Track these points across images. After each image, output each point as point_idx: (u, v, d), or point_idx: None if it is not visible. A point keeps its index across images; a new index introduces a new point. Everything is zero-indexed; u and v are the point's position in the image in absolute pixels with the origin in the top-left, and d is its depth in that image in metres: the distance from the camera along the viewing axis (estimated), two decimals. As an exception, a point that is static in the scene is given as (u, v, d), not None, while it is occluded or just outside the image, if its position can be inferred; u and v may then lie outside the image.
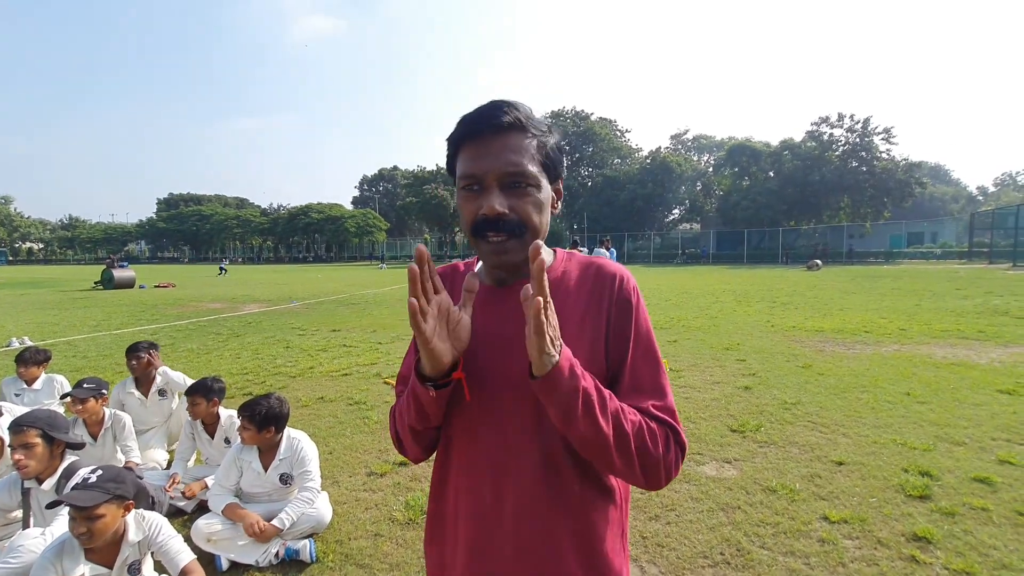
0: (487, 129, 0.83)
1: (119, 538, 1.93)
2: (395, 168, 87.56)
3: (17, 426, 2.37)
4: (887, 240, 42.84)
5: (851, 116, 43.20)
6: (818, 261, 30.01)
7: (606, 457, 0.79)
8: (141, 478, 2.81)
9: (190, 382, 3.79)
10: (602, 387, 0.79)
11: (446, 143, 0.89)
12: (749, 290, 16.69)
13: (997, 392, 4.96)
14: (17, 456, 2.31)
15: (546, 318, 0.70)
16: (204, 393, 3.18)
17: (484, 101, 0.86)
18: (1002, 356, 6.46)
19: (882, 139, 42.42)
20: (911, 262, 35.60)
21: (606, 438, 0.77)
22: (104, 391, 3.35)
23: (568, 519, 0.86)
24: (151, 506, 2.67)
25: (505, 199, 0.82)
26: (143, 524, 2.00)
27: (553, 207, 0.92)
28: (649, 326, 0.91)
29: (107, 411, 3.32)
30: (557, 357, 0.73)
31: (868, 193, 42.65)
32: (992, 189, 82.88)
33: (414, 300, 0.72)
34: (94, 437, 3.28)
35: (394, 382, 1.22)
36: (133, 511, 1.97)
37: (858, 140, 42.93)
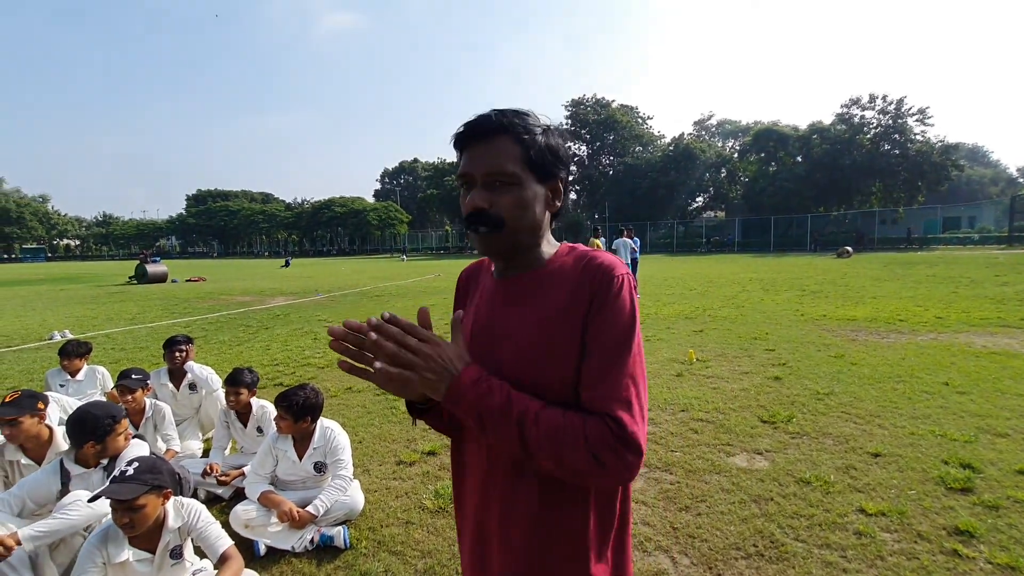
0: (475, 135, 0.92)
1: (160, 525, 1.99)
2: (415, 161, 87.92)
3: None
4: (921, 225, 41.32)
5: (883, 97, 41.72)
6: (848, 248, 29.16)
7: (527, 459, 0.85)
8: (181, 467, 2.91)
9: (217, 381, 3.89)
10: (509, 394, 0.84)
11: (453, 146, 0.99)
12: (777, 278, 16.33)
13: (1043, 382, 4.76)
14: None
15: (411, 351, 0.80)
16: (247, 384, 3.28)
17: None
18: (1047, 345, 6.19)
19: (916, 120, 40.86)
20: (947, 248, 34.32)
21: (514, 443, 0.83)
22: (149, 382, 3.48)
23: (544, 515, 0.92)
24: (182, 490, 2.75)
25: (487, 196, 0.91)
26: (182, 511, 2.07)
27: (551, 204, 0.98)
28: (623, 321, 0.87)
29: (148, 401, 3.44)
30: (443, 385, 0.82)
31: (902, 177, 41.21)
32: (1035, 170, 79.11)
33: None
34: (136, 427, 3.41)
35: None
36: (172, 499, 2.03)
37: (891, 122, 41.40)
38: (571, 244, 1.02)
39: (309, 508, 2.60)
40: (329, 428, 2.85)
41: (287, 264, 37.60)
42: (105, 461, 2.44)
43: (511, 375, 0.88)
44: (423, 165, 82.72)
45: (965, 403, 4.31)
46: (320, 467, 2.80)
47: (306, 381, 5.60)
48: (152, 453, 2.85)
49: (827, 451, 3.50)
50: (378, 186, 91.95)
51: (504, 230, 0.91)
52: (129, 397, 3.29)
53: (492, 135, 0.91)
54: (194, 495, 2.83)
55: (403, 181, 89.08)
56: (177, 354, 3.88)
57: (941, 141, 40.86)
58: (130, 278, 23.06)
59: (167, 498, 1.98)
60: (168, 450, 3.40)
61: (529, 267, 0.98)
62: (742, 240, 45.87)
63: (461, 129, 0.94)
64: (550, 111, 0.98)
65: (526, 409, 0.83)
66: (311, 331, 8.87)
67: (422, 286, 17.58)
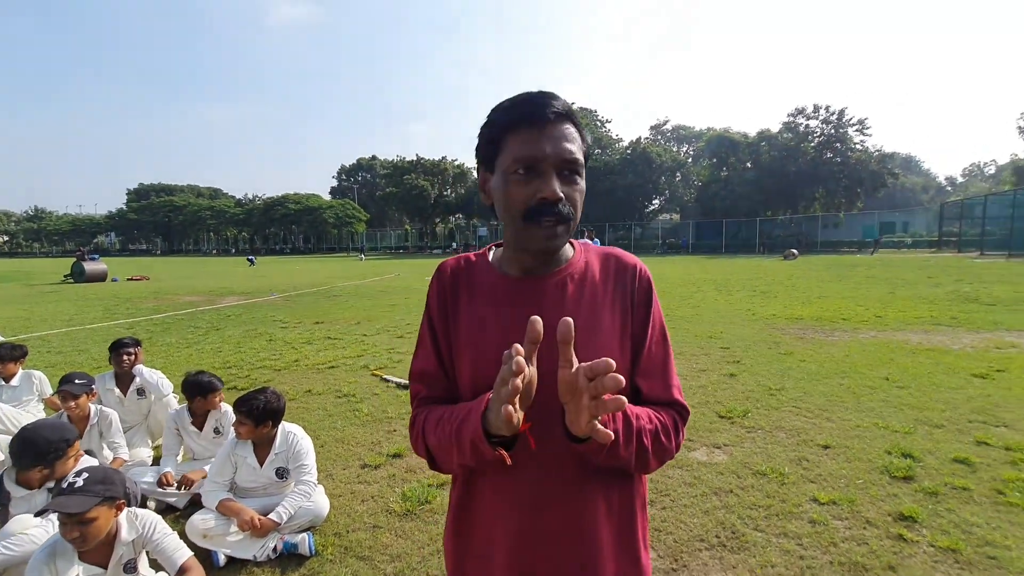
0: (548, 115, 0.84)
1: (112, 538, 1.88)
2: (374, 158, 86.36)
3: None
4: (860, 230, 43.91)
5: (826, 108, 44.08)
6: (794, 251, 30.64)
7: (627, 468, 0.88)
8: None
9: (168, 386, 3.69)
10: (629, 416, 0.85)
11: (488, 126, 0.89)
12: (729, 279, 16.96)
13: (971, 376, 5.13)
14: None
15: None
16: (219, 388, 3.24)
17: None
18: (974, 342, 6.69)
19: (856, 130, 43.40)
20: (883, 251, 36.55)
21: (627, 463, 0.86)
22: (94, 386, 3.26)
23: (606, 530, 0.91)
24: (136, 504, 2.61)
25: (561, 186, 0.84)
26: (136, 523, 1.95)
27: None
28: (660, 313, 0.97)
29: (93, 407, 3.23)
30: (613, 435, 0.75)
31: (842, 184, 43.62)
32: (960, 180, 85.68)
33: (509, 409, 0.69)
34: (79, 435, 3.19)
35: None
36: (126, 510, 1.92)
37: (833, 131, 43.80)
38: (579, 241, 1.02)
39: (271, 515, 2.50)
40: (291, 432, 2.75)
41: (251, 262, 36.29)
42: (51, 484, 2.28)
43: (551, 378, 0.84)
44: (382, 163, 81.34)
45: (904, 396, 4.60)
46: (282, 473, 2.70)
47: (262, 384, 5.41)
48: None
49: (781, 444, 3.66)
50: (335, 183, 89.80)
51: (572, 223, 0.86)
52: (72, 403, 3.08)
53: (563, 119, 0.85)
54: (143, 505, 2.67)
55: (361, 179, 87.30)
56: (125, 357, 3.66)
57: (878, 150, 43.63)
58: (66, 277, 21.59)
59: (120, 509, 1.87)
60: (115, 458, 3.20)
61: (558, 263, 0.94)
62: (696, 242, 47.43)
63: (525, 106, 0.85)
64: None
65: (636, 418, 0.85)
66: (266, 332, 8.55)
67: (382, 286, 17.27)
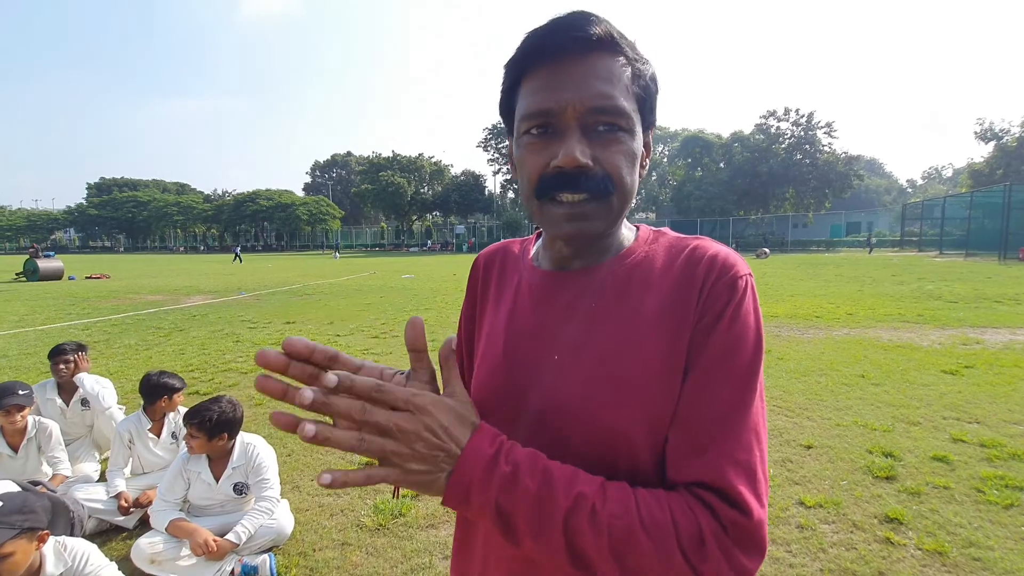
0: (568, 46, 0.59)
1: (35, 573, 1.65)
2: (349, 154, 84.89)
3: None
4: (828, 229, 45.23)
5: (796, 111, 45.14)
6: (766, 249, 31.28)
7: (579, 570, 0.55)
8: (54, 492, 2.51)
9: (112, 398, 3.40)
10: (546, 474, 0.54)
11: (504, 70, 0.65)
12: (704, 277, 17.13)
13: (942, 372, 5.21)
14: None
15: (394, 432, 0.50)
16: (180, 388, 3.02)
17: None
18: (941, 338, 6.83)
19: (824, 133, 44.56)
20: (849, 250, 37.65)
21: (559, 553, 0.53)
22: (33, 396, 2.98)
23: None
24: (72, 527, 2.36)
25: (588, 146, 0.59)
26: (64, 554, 1.73)
27: (643, 163, 0.66)
28: (749, 344, 0.59)
29: (31, 419, 2.95)
30: (442, 475, 0.52)
31: (811, 184, 44.76)
32: (920, 182, 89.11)
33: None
34: (14, 449, 2.92)
35: None
36: (52, 539, 1.69)
37: (803, 134, 44.89)
38: (654, 227, 0.74)
39: (229, 536, 2.30)
40: (250, 444, 2.54)
41: (238, 259, 35.56)
42: None
43: (564, 412, 0.61)
44: (357, 159, 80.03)
45: (880, 394, 4.62)
46: (241, 488, 2.49)
47: (228, 388, 5.13)
48: (32, 483, 2.44)
49: (764, 445, 3.61)
50: (308, 179, 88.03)
51: (612, 198, 0.61)
52: (18, 416, 2.81)
53: (594, 50, 0.59)
54: (74, 527, 2.42)
55: (335, 175, 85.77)
56: (63, 366, 3.32)
57: (845, 153, 44.89)
58: (18, 275, 20.46)
59: (43, 541, 1.64)
60: (56, 475, 2.94)
61: (603, 255, 0.68)
62: (671, 241, 48.09)
63: (541, 35, 0.60)
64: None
65: (578, 500, 0.53)
66: (233, 333, 8.20)
67: (357, 284, 16.89)
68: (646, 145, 0.67)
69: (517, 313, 0.71)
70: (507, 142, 0.72)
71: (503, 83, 0.66)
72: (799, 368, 5.50)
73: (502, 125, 0.85)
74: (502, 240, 0.86)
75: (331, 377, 0.50)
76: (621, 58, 0.61)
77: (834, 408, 4.29)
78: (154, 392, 2.94)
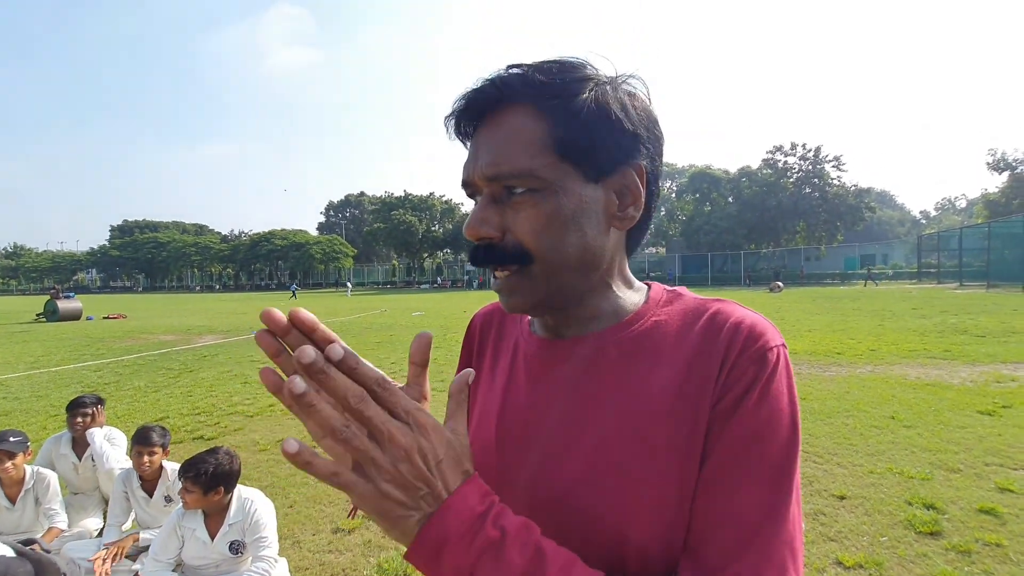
0: (475, 113, 0.57)
1: None
2: (362, 194, 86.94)
3: None
4: (842, 262, 44.73)
5: (803, 145, 45.41)
6: (780, 283, 30.88)
7: None
8: (47, 550, 2.38)
9: (116, 460, 3.23)
10: (538, 551, 0.44)
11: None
12: (718, 312, 16.86)
13: (978, 413, 4.93)
14: None
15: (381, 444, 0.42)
16: (162, 444, 2.78)
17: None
18: (972, 375, 6.53)
19: (832, 166, 44.66)
20: (865, 283, 37.07)
21: None
22: (27, 443, 2.89)
23: None
24: None
25: (497, 214, 0.55)
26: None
27: (615, 214, 0.57)
28: (783, 431, 0.50)
29: (29, 469, 2.85)
30: (417, 515, 0.43)
31: (822, 217, 44.59)
32: (934, 213, 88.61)
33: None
34: (12, 500, 2.81)
35: None
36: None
37: (811, 167, 45.05)
38: (670, 288, 0.66)
39: (222, 600, 2.15)
40: (248, 499, 2.41)
41: (294, 295, 38.94)
42: None
43: (560, 503, 0.53)
44: (369, 199, 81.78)
45: (913, 437, 4.36)
46: (237, 547, 2.35)
47: (233, 432, 5.02)
48: (25, 541, 2.33)
49: (793, 495, 3.39)
50: (322, 219, 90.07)
51: (532, 268, 0.55)
52: (9, 464, 2.72)
53: (500, 108, 0.55)
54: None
55: (349, 214, 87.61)
56: (79, 419, 3.19)
57: (855, 185, 44.85)
58: (38, 315, 20.85)
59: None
60: (51, 528, 2.81)
61: (595, 323, 0.60)
62: (682, 275, 47.76)
63: (455, 106, 0.57)
64: None
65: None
66: (241, 374, 8.13)
67: (367, 322, 16.89)
68: (619, 189, 0.57)
69: (512, 389, 0.64)
70: None
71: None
72: (824, 409, 5.26)
73: None
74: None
75: (337, 348, 0.42)
76: (532, 109, 0.54)
77: (865, 453, 4.05)
78: (132, 442, 2.79)
